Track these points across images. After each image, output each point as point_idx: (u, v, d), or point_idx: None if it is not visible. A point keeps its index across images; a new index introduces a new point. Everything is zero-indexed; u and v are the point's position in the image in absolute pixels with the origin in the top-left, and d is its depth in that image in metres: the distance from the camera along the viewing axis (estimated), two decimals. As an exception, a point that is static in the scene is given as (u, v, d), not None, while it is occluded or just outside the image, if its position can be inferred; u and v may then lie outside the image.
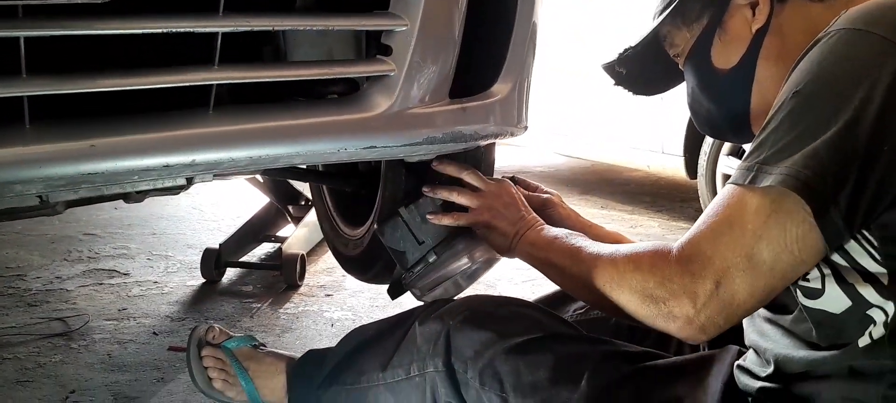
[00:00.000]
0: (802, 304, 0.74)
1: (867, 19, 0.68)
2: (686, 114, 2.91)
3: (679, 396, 0.81)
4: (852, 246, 0.69)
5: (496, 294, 2.02)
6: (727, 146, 2.71)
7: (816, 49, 0.69)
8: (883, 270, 0.68)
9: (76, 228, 2.60)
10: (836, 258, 0.70)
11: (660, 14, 0.90)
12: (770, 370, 0.77)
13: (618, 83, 0.97)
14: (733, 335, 0.95)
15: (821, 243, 0.67)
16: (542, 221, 1.01)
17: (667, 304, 0.74)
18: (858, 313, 0.70)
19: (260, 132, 0.90)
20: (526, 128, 1.17)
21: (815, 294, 0.73)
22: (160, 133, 0.84)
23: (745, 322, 0.83)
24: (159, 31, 0.80)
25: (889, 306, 0.68)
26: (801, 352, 0.74)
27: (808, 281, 0.74)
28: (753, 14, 0.82)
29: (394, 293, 1.21)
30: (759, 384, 0.78)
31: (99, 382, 1.48)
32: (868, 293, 0.69)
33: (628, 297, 0.78)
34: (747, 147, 0.75)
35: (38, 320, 1.79)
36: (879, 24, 0.67)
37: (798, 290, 0.75)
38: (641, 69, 0.95)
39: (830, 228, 0.66)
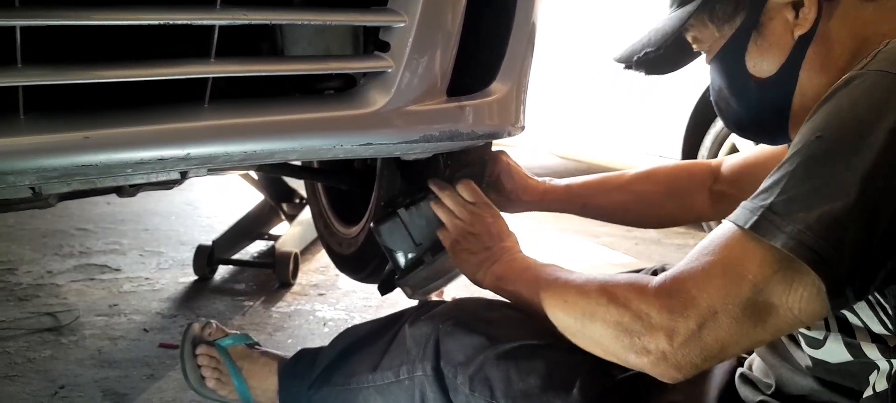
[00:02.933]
0: (803, 349, 0.73)
1: None
2: (684, 118, 2.94)
3: (676, 402, 0.80)
4: (863, 309, 0.67)
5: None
6: (724, 151, 2.72)
7: (847, 90, 0.63)
8: (891, 334, 0.65)
9: (68, 223, 2.59)
10: (849, 315, 0.68)
11: (678, 5, 0.81)
12: (773, 386, 0.76)
13: (629, 67, 0.90)
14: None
15: (825, 310, 0.64)
16: (515, 250, 0.98)
17: (641, 338, 0.70)
18: (858, 364, 0.68)
19: (255, 127, 0.90)
20: (523, 128, 1.17)
21: (816, 344, 0.72)
22: (155, 126, 0.84)
23: None
24: (156, 22, 0.79)
25: (894, 360, 0.66)
26: (808, 379, 0.73)
27: (808, 329, 0.72)
28: (796, 16, 0.73)
29: (384, 290, 1.22)
30: (760, 398, 0.77)
31: (88, 378, 1.47)
32: (871, 351, 0.67)
33: (601, 330, 0.75)
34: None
35: (28, 314, 1.79)
36: None
37: (801, 336, 0.73)
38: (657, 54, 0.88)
39: (839, 299, 0.62)
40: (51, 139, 0.79)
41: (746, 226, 0.64)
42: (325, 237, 1.71)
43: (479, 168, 1.19)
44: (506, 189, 1.18)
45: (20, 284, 2.00)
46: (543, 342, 0.79)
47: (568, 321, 0.81)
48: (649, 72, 0.90)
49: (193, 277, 2.09)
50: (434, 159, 1.20)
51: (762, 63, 0.76)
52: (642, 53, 0.84)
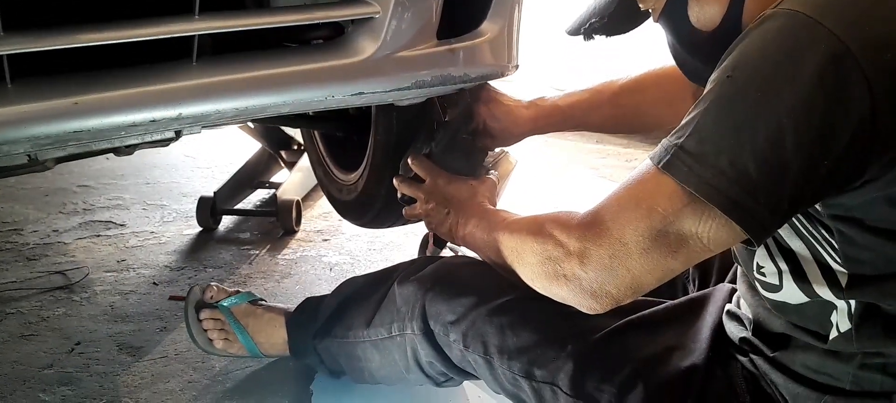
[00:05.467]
0: (762, 294, 0.75)
1: (822, 7, 0.61)
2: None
3: (669, 346, 0.82)
4: (814, 242, 0.68)
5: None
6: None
7: (758, 31, 0.64)
8: (843, 270, 0.67)
9: (69, 180, 2.60)
10: (800, 248, 0.70)
11: None
12: (753, 324, 0.79)
13: (587, 38, 0.91)
14: (725, 274, 0.96)
15: (734, 239, 0.66)
16: (472, 205, 1.00)
17: (561, 265, 0.74)
18: (816, 305, 0.70)
19: (245, 82, 0.90)
20: (517, 67, 1.16)
21: (773, 288, 0.74)
22: (145, 87, 0.85)
23: (739, 271, 0.84)
24: (135, -18, 0.78)
25: (852, 302, 0.68)
26: (780, 320, 0.75)
27: (763, 275, 0.74)
28: None
29: (438, 243, 1.23)
30: (743, 334, 0.79)
31: (103, 333, 1.51)
32: (824, 292, 0.69)
33: (530, 259, 0.79)
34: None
35: (38, 274, 1.82)
36: (833, 15, 0.60)
37: (757, 283, 0.75)
38: (609, 18, 0.89)
39: (760, 236, 0.64)
40: (40, 107, 0.79)
41: (660, 165, 0.67)
42: (326, 184, 1.72)
43: (469, 105, 1.17)
44: (494, 130, 1.18)
45: (27, 244, 2.02)
46: (533, 294, 0.81)
47: (506, 257, 0.84)
48: (608, 34, 0.90)
49: (198, 229, 2.10)
50: (429, 102, 1.20)
51: (704, 16, 0.76)
52: (588, 24, 0.86)
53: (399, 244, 1.95)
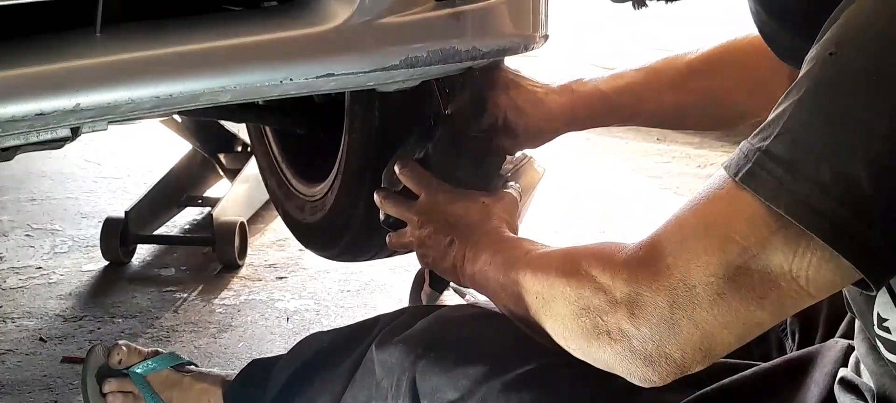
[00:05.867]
0: (887, 358, 0.75)
1: None
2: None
3: None
4: None
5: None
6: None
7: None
8: None
9: (-77, 196, 2.60)
10: None
11: None
12: (877, 397, 0.78)
13: (638, 6, 0.91)
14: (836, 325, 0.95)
15: (845, 278, 0.66)
16: (479, 234, 1.00)
17: (603, 319, 0.73)
18: None
19: (169, 60, 0.91)
20: (546, 37, 1.17)
21: None
22: (29, 67, 0.85)
23: (856, 324, 0.83)
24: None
25: None
26: None
27: (888, 331, 0.73)
28: None
29: (437, 285, 1.24)
30: None
31: (-31, 409, 1.50)
32: None
33: (562, 310, 0.78)
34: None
35: None
36: None
37: (880, 341, 0.75)
38: None
39: (876, 273, 0.64)
40: None
41: (738, 177, 0.67)
42: (281, 199, 1.72)
43: (480, 90, 1.17)
44: (517, 127, 1.18)
45: None
46: (561, 360, 0.81)
47: (530, 306, 0.84)
48: None
49: (103, 262, 2.11)
50: (425, 87, 1.21)
51: None
52: None
53: (382, 284, 1.95)
